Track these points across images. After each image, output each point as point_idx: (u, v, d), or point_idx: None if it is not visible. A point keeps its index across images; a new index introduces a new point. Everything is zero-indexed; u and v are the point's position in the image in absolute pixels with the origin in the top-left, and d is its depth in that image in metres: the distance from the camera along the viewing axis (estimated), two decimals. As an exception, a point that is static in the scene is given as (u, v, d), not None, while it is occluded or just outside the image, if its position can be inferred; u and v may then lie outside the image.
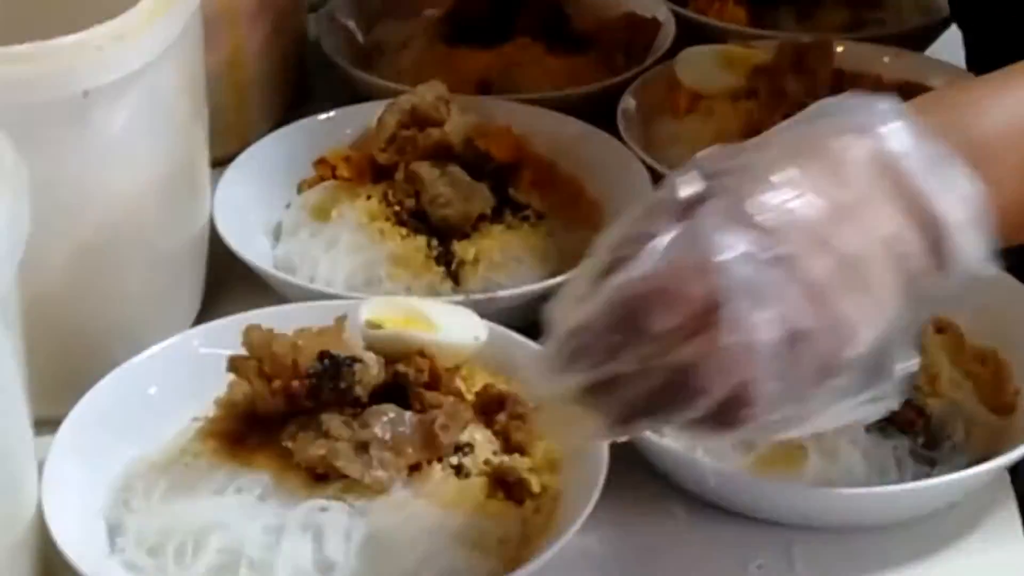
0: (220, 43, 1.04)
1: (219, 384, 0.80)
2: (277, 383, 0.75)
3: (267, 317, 0.85)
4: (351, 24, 1.26)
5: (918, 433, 0.80)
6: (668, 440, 0.81)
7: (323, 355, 0.76)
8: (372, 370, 0.77)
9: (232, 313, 0.88)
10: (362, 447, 0.74)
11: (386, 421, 0.76)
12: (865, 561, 0.78)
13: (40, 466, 0.75)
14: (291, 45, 1.18)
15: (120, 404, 0.82)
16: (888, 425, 0.80)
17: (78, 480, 0.77)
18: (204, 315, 0.94)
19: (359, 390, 0.76)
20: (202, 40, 0.90)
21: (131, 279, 0.87)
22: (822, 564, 0.78)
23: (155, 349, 0.84)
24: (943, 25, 1.27)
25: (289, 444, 0.75)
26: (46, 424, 0.77)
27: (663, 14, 1.24)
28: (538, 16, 1.21)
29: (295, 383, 0.75)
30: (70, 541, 0.72)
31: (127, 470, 0.79)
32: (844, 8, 1.27)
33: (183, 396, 0.83)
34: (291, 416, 0.76)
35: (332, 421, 0.75)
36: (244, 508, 0.74)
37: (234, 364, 0.77)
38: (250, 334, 0.77)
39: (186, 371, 0.84)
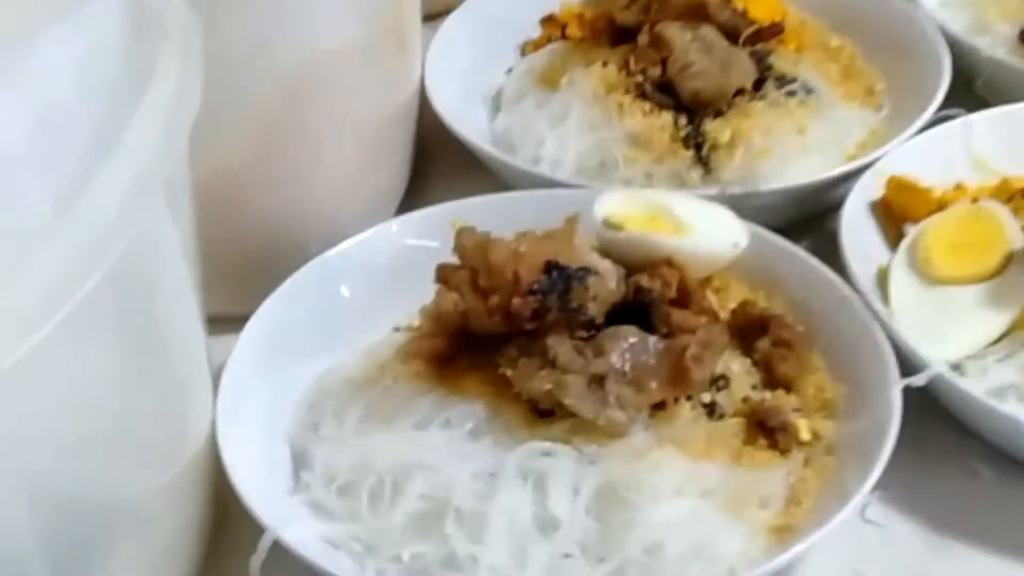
0: None
1: (425, 286, 0.68)
2: (495, 299, 0.63)
3: (483, 207, 0.76)
4: None
5: None
6: (972, 382, 0.66)
7: (550, 266, 0.63)
8: (609, 284, 0.65)
9: (443, 199, 0.77)
10: (596, 380, 0.62)
11: (626, 348, 0.63)
12: None
13: (216, 375, 0.65)
14: None
15: (311, 305, 0.71)
16: None
17: (260, 395, 0.68)
18: (410, 200, 0.84)
19: (593, 309, 0.64)
20: None
21: (325, 158, 0.76)
22: None
23: (351, 241, 0.74)
24: None
25: (508, 372, 0.62)
26: (225, 323, 0.68)
27: None
28: None
29: (516, 300, 0.62)
30: (246, 475, 0.62)
31: (317, 385, 0.69)
32: None
33: (384, 298, 0.72)
34: (511, 337, 0.63)
35: (561, 346, 0.62)
36: (452, 446, 0.63)
37: (443, 274, 0.65)
38: (463, 238, 0.64)
39: (387, 268, 0.73)
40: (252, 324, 0.69)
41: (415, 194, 0.84)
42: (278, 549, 0.59)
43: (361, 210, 0.77)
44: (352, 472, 0.63)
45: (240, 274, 0.73)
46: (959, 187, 0.77)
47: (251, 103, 0.71)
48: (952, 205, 0.74)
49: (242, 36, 0.68)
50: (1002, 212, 0.72)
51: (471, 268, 0.65)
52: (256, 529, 0.60)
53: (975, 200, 0.74)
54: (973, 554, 0.64)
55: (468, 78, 0.89)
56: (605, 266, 0.65)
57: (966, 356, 0.68)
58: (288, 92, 0.72)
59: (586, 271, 0.63)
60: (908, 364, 0.66)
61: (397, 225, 0.75)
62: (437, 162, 0.87)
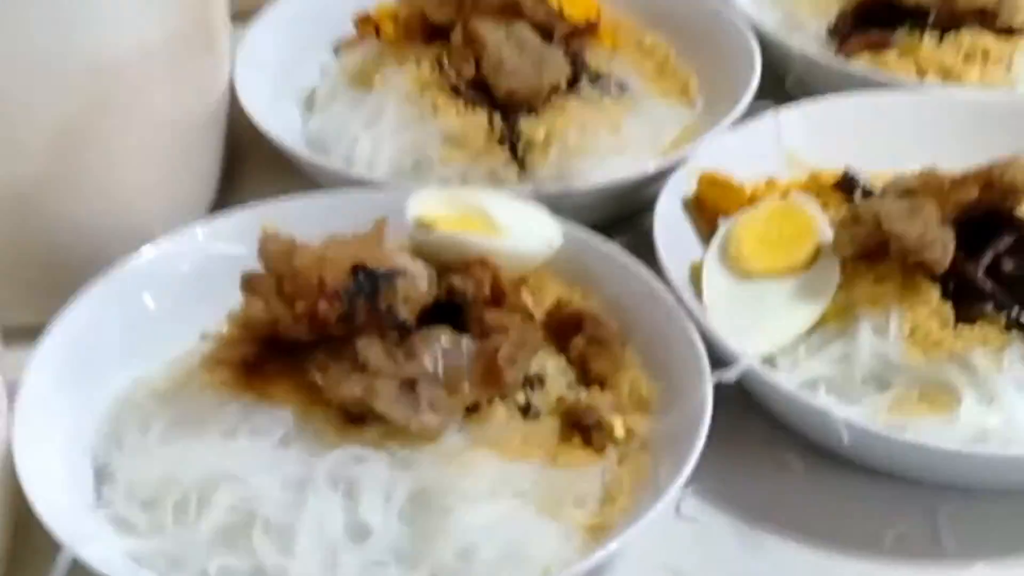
0: None
1: (234, 292, 0.66)
2: (301, 305, 0.62)
3: (292, 209, 0.75)
4: None
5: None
6: (784, 375, 0.67)
7: (357, 269, 0.62)
8: (420, 285, 0.64)
9: (256, 201, 0.75)
10: (408, 384, 0.62)
11: (438, 350, 0.63)
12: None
13: (12, 388, 0.63)
14: None
15: (113, 314, 0.70)
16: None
17: (59, 407, 0.66)
18: (220, 205, 0.82)
19: (403, 311, 0.63)
20: None
21: (128, 162, 0.74)
22: (976, 535, 0.65)
23: (154, 248, 0.72)
24: None
25: (317, 378, 0.61)
26: (22, 334, 0.66)
27: None
28: None
29: (323, 305, 0.61)
30: (45, 492, 0.60)
31: (120, 397, 0.67)
32: None
33: (190, 306, 0.71)
34: (320, 343, 0.62)
35: (370, 350, 0.62)
36: (261, 455, 0.61)
37: (249, 283, 0.64)
38: (267, 244, 0.63)
39: (193, 275, 0.72)
40: (50, 335, 0.66)
41: (227, 197, 0.82)
42: (79, 568, 0.57)
43: (168, 215, 0.75)
44: (156, 485, 0.61)
45: (38, 284, 0.70)
46: (770, 182, 0.78)
47: (44, 108, 0.69)
48: (763, 200, 0.75)
49: (31, 39, 0.66)
50: (811, 206, 0.73)
51: (276, 274, 0.63)
52: (58, 549, 0.57)
53: (785, 195, 0.75)
54: (786, 545, 0.64)
55: (280, 78, 0.89)
56: (416, 267, 0.64)
57: (777, 349, 0.69)
58: (84, 96, 0.70)
59: (395, 273, 0.62)
60: (721, 359, 0.66)
61: (202, 230, 0.73)
62: (249, 164, 0.86)
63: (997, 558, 0.64)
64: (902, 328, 0.67)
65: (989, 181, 0.68)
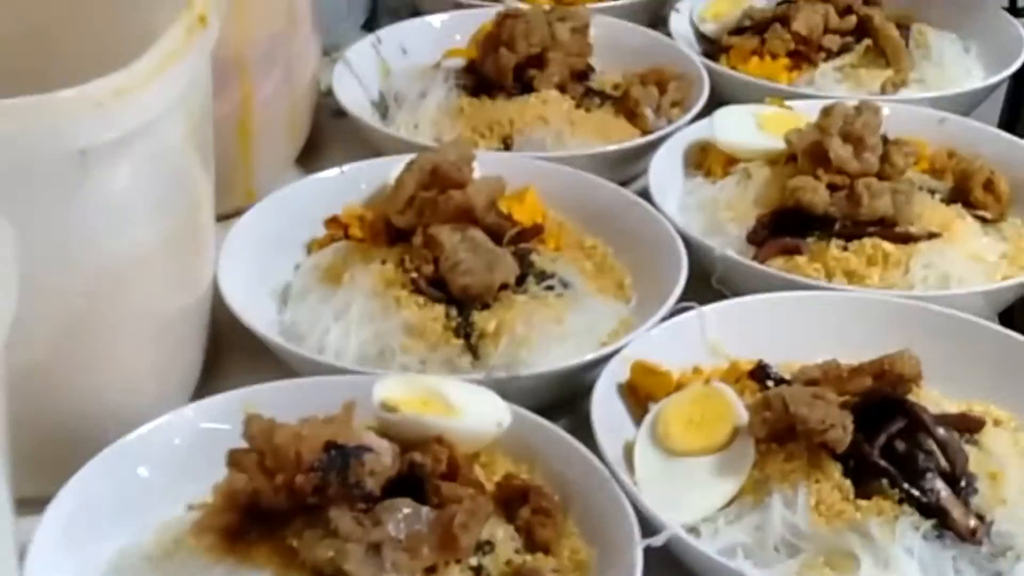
0: (228, 92, 0.99)
1: (218, 465, 0.73)
2: (280, 478, 0.69)
3: (271, 393, 0.81)
4: (367, 72, 1.20)
5: (980, 542, 0.74)
6: (705, 542, 0.75)
7: (329, 445, 0.70)
8: (385, 460, 0.72)
9: (235, 385, 0.82)
10: (374, 548, 0.69)
11: (401, 518, 0.70)
12: None
13: (22, 552, 0.69)
14: (303, 93, 1.13)
15: (110, 486, 0.76)
16: (947, 532, 0.75)
17: (64, 568, 0.72)
18: (204, 387, 0.88)
19: (370, 483, 0.70)
20: (211, 91, 0.84)
21: (125, 349, 0.81)
22: None
23: (148, 426, 0.78)
24: (990, 90, 1.21)
25: (294, 543, 0.69)
26: (30, 504, 0.71)
27: (695, 69, 1.19)
28: (565, 68, 1.14)
29: (299, 477, 0.69)
30: None
31: (117, 561, 0.73)
32: (886, 68, 1.21)
33: (179, 478, 0.77)
34: (297, 512, 0.70)
35: (341, 518, 0.69)
36: None
37: (234, 458, 0.71)
38: (250, 425, 0.71)
39: (182, 451, 0.78)
40: (55, 504, 0.72)
41: (209, 381, 0.88)
42: None
43: (158, 397, 0.82)
44: None
45: (42, 458, 0.74)
46: (695, 370, 0.87)
47: (55, 301, 0.75)
48: (688, 386, 0.84)
49: (47, 241, 0.72)
50: (729, 392, 0.82)
51: (259, 450, 0.71)
52: None
53: (707, 382, 0.84)
54: None
55: (258, 274, 0.94)
56: (381, 444, 0.72)
57: (700, 519, 0.76)
58: (89, 290, 0.76)
59: (363, 449, 0.70)
60: (650, 527, 0.73)
61: (192, 410, 0.80)
62: (230, 351, 0.92)
63: None
64: (808, 501, 0.74)
65: (881, 371, 0.78)
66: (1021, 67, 1.22)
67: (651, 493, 0.77)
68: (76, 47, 0.85)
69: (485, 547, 0.72)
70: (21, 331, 0.64)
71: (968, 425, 0.80)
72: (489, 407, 0.78)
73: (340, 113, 1.15)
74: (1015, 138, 1.10)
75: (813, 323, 0.90)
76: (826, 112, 1.01)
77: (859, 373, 0.78)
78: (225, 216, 0.96)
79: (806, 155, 1.00)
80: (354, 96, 1.16)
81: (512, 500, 0.75)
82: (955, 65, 1.26)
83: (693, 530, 0.76)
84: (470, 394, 0.78)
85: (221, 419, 0.78)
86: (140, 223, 0.79)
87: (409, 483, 0.72)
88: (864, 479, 0.76)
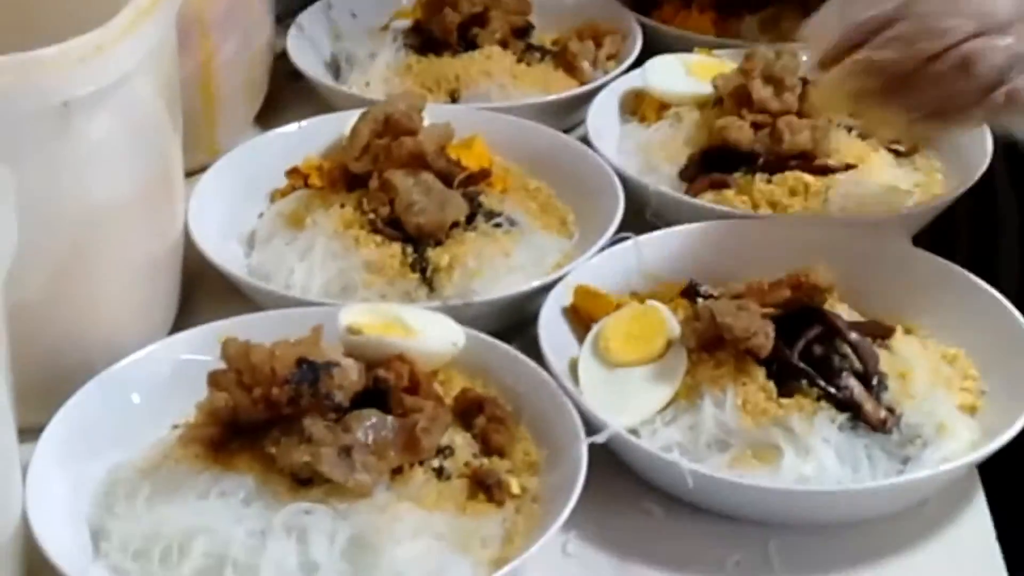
0: (191, 53, 1.05)
1: (200, 390, 0.80)
2: (257, 392, 0.75)
3: (245, 324, 0.87)
4: (319, 35, 1.27)
5: (890, 432, 0.82)
6: (645, 441, 0.82)
7: (301, 361, 0.76)
8: (352, 375, 0.78)
9: (208, 321, 0.88)
10: (345, 451, 0.75)
11: (368, 425, 0.77)
12: (840, 556, 0.80)
13: (24, 472, 0.76)
14: (260, 55, 1.19)
15: (101, 411, 0.82)
16: (860, 424, 0.82)
17: (61, 486, 0.78)
18: (180, 323, 0.94)
19: (339, 395, 0.77)
20: (176, 50, 0.91)
21: (108, 288, 0.87)
22: (798, 560, 0.80)
23: (134, 357, 0.85)
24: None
25: (272, 450, 0.76)
26: (29, 432, 0.78)
27: (629, 24, 1.26)
28: (506, 26, 1.22)
29: (275, 390, 0.75)
30: (55, 546, 0.73)
31: (110, 476, 0.80)
32: (806, 17, 1.28)
33: (164, 402, 0.83)
34: (273, 423, 0.77)
35: (315, 426, 0.75)
36: (228, 511, 0.75)
37: (214, 378, 0.78)
38: (227, 347, 0.77)
39: (167, 378, 0.85)
40: (51, 428, 0.79)
41: (185, 319, 0.95)
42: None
43: (139, 333, 0.88)
44: (144, 539, 0.74)
45: (35, 391, 0.79)
46: (633, 293, 0.94)
47: (43, 244, 0.81)
48: (626, 306, 0.92)
49: (34, 188, 0.78)
50: (663, 309, 0.89)
51: (236, 369, 0.78)
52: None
53: (643, 302, 0.92)
54: (650, 573, 0.79)
55: (226, 222, 1.00)
56: (348, 362, 0.78)
57: (640, 422, 0.84)
58: (80, 234, 0.83)
59: (332, 364, 0.76)
60: (595, 429, 0.80)
61: (173, 341, 0.87)
62: (203, 293, 0.98)
63: (813, 574, 0.79)
64: (736, 401, 0.81)
65: (798, 283, 0.85)
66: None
67: (594, 399, 0.84)
68: (51, 17, 0.91)
69: (446, 451, 0.79)
70: (16, 271, 0.71)
71: (879, 331, 0.88)
72: (445, 330, 0.85)
73: (295, 76, 1.22)
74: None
75: (739, 248, 0.96)
76: (748, 57, 1.08)
77: (778, 286, 0.86)
78: (192, 172, 1.02)
79: (731, 98, 1.08)
80: (308, 58, 1.23)
81: (469, 410, 0.82)
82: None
83: (634, 432, 0.83)
84: (427, 319, 0.85)
85: (200, 350, 0.85)
86: (118, 172, 0.85)
87: (374, 397, 0.79)
88: (785, 380, 0.83)
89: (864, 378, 0.84)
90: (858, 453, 0.81)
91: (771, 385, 0.83)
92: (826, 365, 0.84)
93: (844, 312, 0.88)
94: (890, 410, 0.83)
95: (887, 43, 0.81)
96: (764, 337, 0.83)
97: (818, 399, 0.83)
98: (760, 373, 0.84)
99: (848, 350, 0.85)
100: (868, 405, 0.82)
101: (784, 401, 0.82)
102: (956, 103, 0.81)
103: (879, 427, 0.82)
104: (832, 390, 0.83)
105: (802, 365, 0.84)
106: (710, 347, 0.85)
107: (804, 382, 0.83)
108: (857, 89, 0.82)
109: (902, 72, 0.80)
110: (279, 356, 0.77)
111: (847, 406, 0.82)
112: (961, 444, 0.83)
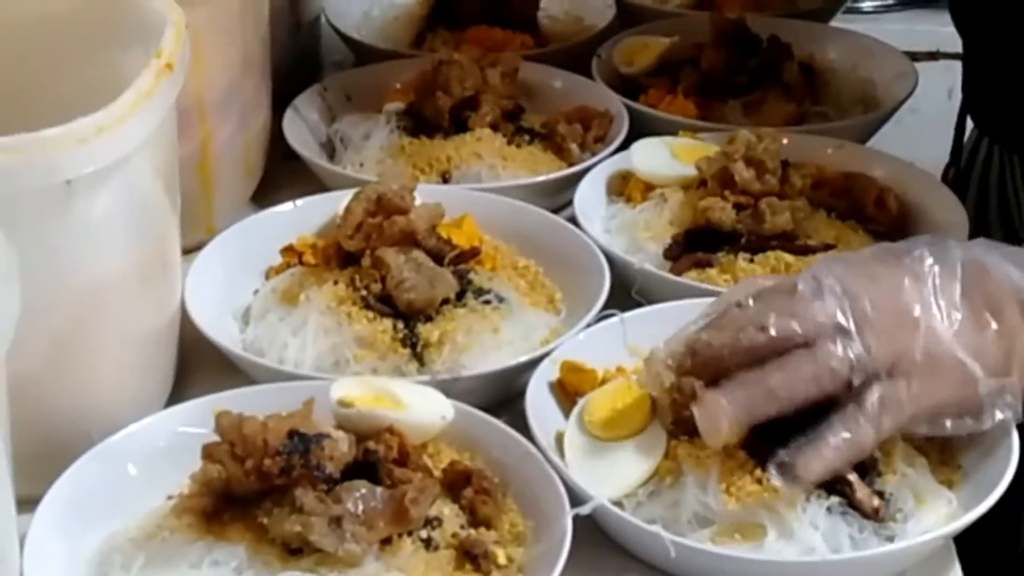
0: (191, 134, 1.08)
1: (195, 461, 0.82)
2: (250, 463, 0.78)
3: (239, 398, 0.89)
4: (314, 116, 1.30)
5: (883, 520, 0.83)
6: (628, 513, 0.84)
7: (292, 433, 0.79)
8: (342, 446, 0.80)
9: (203, 394, 0.91)
10: (335, 521, 0.77)
11: (358, 496, 0.79)
12: (820, 628, 0.82)
13: (22, 542, 0.78)
14: (257, 137, 1.22)
15: (98, 482, 0.84)
16: (850, 510, 0.83)
17: (59, 555, 0.80)
18: (176, 396, 0.96)
19: (330, 466, 0.79)
20: (176, 131, 0.94)
21: (107, 361, 0.90)
22: None
23: (131, 429, 0.87)
24: (883, 120, 1.33)
25: (264, 520, 0.78)
26: (27, 502, 0.80)
27: (616, 107, 1.29)
28: (496, 109, 1.25)
29: (267, 461, 0.77)
30: None
31: (106, 545, 0.81)
32: (788, 103, 1.32)
33: (160, 473, 0.85)
34: (266, 494, 0.79)
35: (306, 496, 0.77)
36: None
37: (208, 450, 0.80)
38: (221, 420, 0.80)
39: (162, 449, 0.87)
40: (48, 498, 0.80)
41: (180, 392, 0.97)
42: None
43: (136, 406, 0.90)
44: None
45: (33, 462, 0.80)
46: (619, 369, 0.96)
47: (43, 318, 0.83)
48: (610, 382, 0.94)
49: (35, 264, 0.79)
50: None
51: (229, 441, 0.80)
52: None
53: (627, 378, 0.94)
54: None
55: (222, 298, 1.03)
56: (339, 434, 0.80)
57: (624, 494, 0.85)
58: (73, 309, 0.85)
59: (323, 436, 0.79)
60: (580, 501, 0.82)
61: (169, 414, 0.89)
62: (198, 367, 1.00)
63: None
64: (719, 484, 0.82)
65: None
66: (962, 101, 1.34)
67: (579, 472, 0.86)
68: (55, 98, 0.94)
69: (434, 522, 0.81)
70: (16, 343, 0.73)
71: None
72: (434, 403, 0.87)
73: (290, 156, 1.25)
74: (902, 159, 1.20)
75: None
76: (731, 140, 1.12)
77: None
78: (189, 250, 1.04)
79: (715, 179, 1.11)
80: (303, 139, 1.26)
81: (457, 482, 0.84)
82: (852, 98, 1.38)
83: (618, 504, 0.85)
84: (417, 393, 0.87)
85: (195, 423, 0.87)
86: (117, 249, 0.88)
87: (365, 468, 0.81)
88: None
89: (857, 465, 0.84)
90: (841, 537, 0.82)
91: (759, 471, 0.83)
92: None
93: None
94: (880, 495, 0.84)
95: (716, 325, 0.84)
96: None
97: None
98: (748, 460, 0.84)
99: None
100: (861, 494, 0.83)
101: (771, 485, 0.82)
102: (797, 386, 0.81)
103: (872, 516, 0.83)
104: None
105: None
106: (691, 432, 0.86)
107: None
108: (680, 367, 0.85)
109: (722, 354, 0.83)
110: (271, 428, 0.79)
111: (839, 492, 0.83)
112: (939, 516, 0.85)
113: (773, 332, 0.81)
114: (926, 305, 0.83)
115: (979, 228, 1.27)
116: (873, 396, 0.81)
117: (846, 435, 0.81)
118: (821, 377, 0.81)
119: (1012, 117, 1.27)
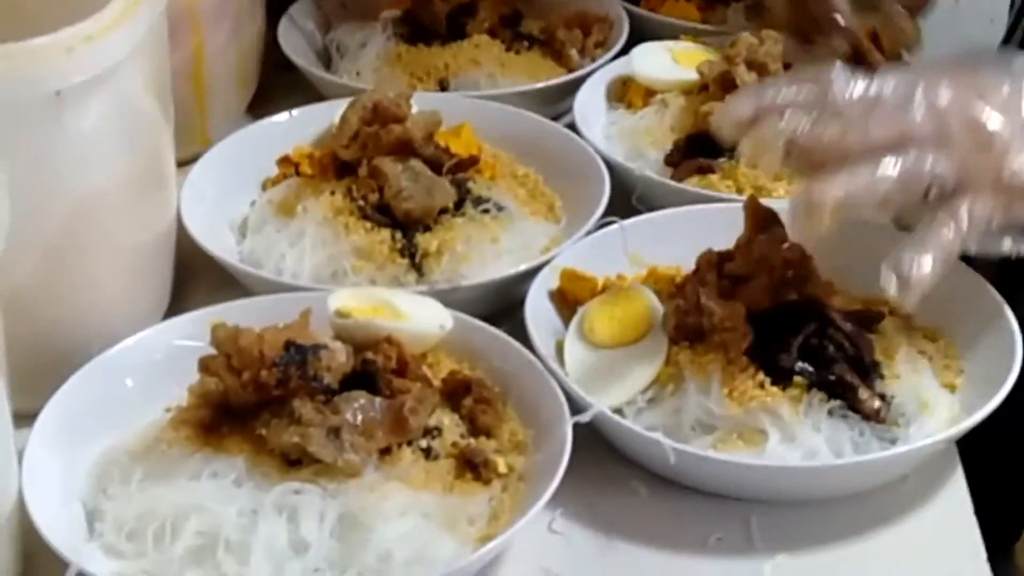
0: (182, 43, 1.06)
1: (192, 374, 0.82)
2: (246, 375, 0.77)
3: (236, 310, 0.89)
4: (310, 25, 1.28)
5: (883, 421, 0.83)
6: (629, 420, 0.84)
7: (288, 344, 0.78)
8: (340, 357, 0.79)
9: (201, 307, 0.90)
10: (334, 432, 0.76)
11: (356, 407, 0.78)
12: (820, 532, 0.81)
13: (20, 456, 0.78)
14: (251, 46, 1.20)
15: (96, 395, 0.84)
16: (852, 413, 0.83)
17: (57, 469, 0.79)
18: (173, 309, 0.96)
19: (328, 377, 0.78)
20: (167, 40, 0.92)
21: (102, 274, 0.89)
22: (779, 535, 0.81)
23: (128, 342, 0.86)
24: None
25: (262, 432, 0.77)
26: (24, 417, 0.80)
27: (616, 11, 1.27)
28: (494, 15, 1.23)
29: (263, 373, 0.77)
30: (51, 527, 0.74)
31: (104, 458, 0.81)
32: (788, 5, 1.29)
33: (157, 386, 0.85)
34: (263, 405, 0.78)
35: (304, 407, 0.77)
36: (220, 492, 0.76)
37: (204, 363, 0.79)
38: (217, 332, 0.79)
39: (159, 362, 0.86)
40: (46, 412, 0.80)
41: (178, 304, 0.96)
42: (81, 584, 0.71)
43: (132, 319, 0.89)
44: (138, 519, 0.75)
45: (30, 376, 0.80)
46: (619, 276, 0.95)
47: (34, 234, 0.83)
48: (610, 289, 0.93)
49: (27, 175, 0.80)
50: (647, 292, 0.91)
51: (225, 354, 0.79)
52: (60, 572, 0.72)
53: (628, 284, 0.93)
54: (634, 549, 0.80)
55: (218, 210, 1.02)
56: (336, 344, 0.80)
57: (624, 402, 0.85)
58: (72, 221, 0.84)
59: (319, 347, 0.78)
60: (581, 409, 0.81)
61: (165, 327, 0.88)
62: (195, 279, 1.00)
63: (793, 550, 0.80)
64: (721, 389, 0.82)
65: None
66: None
67: (580, 381, 0.85)
68: (43, 8, 0.92)
69: (433, 432, 0.80)
70: (9, 257, 0.72)
71: (870, 318, 0.88)
72: (433, 313, 0.86)
73: (286, 66, 1.23)
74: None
75: (724, 233, 0.97)
76: (732, 44, 1.10)
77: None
78: (184, 162, 1.03)
79: (716, 83, 1.09)
80: (299, 48, 1.24)
81: (456, 392, 0.83)
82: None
83: (618, 412, 0.84)
84: (415, 302, 0.86)
85: (192, 335, 0.86)
86: (109, 160, 0.87)
87: (363, 379, 0.80)
88: (777, 372, 0.83)
89: (859, 367, 0.84)
90: (843, 441, 0.82)
91: (761, 375, 0.83)
92: (820, 354, 0.84)
93: (831, 292, 0.89)
94: (882, 397, 0.84)
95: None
96: (740, 336, 0.84)
97: (810, 388, 0.83)
98: (747, 361, 0.84)
99: (842, 338, 0.85)
100: (863, 394, 0.83)
101: (773, 389, 0.83)
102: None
103: (873, 417, 0.83)
104: (829, 378, 0.83)
105: (797, 366, 0.84)
106: (692, 338, 0.86)
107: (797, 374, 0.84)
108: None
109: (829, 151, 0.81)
110: (268, 340, 0.79)
111: (840, 395, 0.83)
112: (941, 420, 0.84)
113: (875, 135, 0.80)
114: (1010, 122, 0.81)
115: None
116: (963, 206, 0.80)
117: (949, 234, 0.80)
118: (910, 181, 0.80)
119: None
